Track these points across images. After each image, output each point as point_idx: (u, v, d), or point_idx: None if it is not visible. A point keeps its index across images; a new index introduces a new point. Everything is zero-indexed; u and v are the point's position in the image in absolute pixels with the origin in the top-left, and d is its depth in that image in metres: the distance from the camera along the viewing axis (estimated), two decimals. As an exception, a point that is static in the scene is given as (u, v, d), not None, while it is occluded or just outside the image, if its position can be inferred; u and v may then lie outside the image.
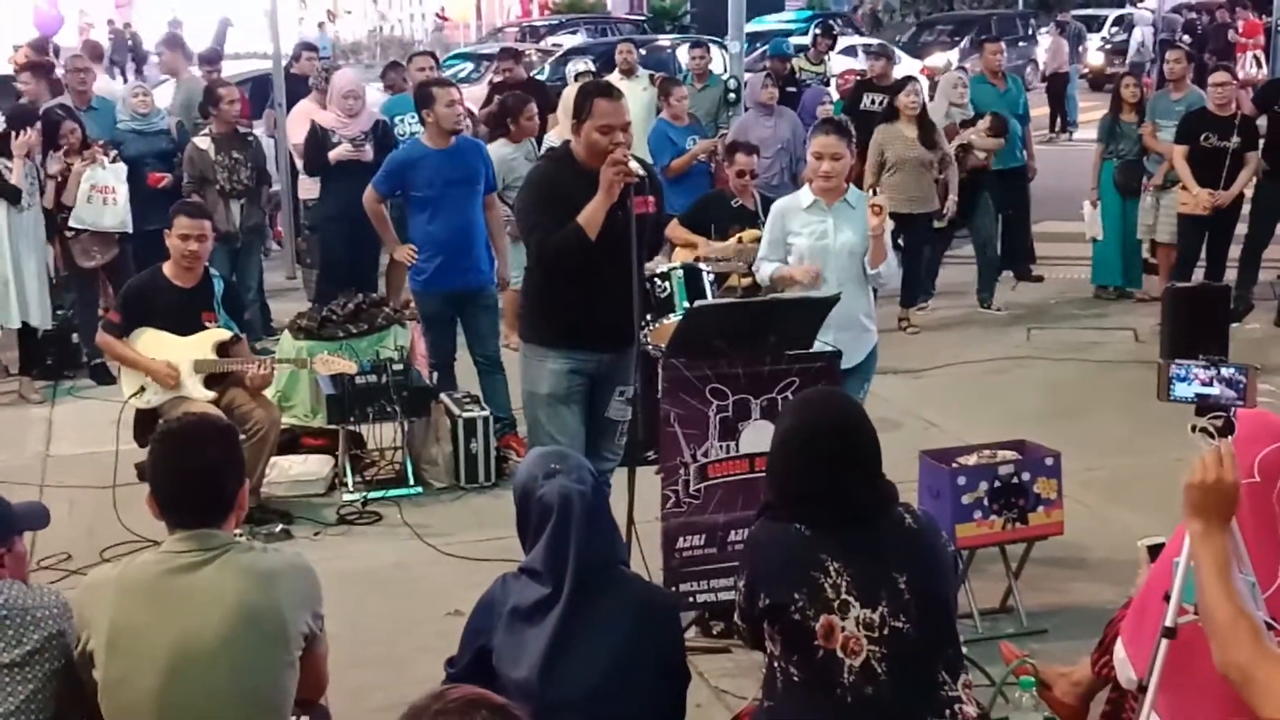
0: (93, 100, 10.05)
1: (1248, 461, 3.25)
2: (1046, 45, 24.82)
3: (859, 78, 13.03)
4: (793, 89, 12.38)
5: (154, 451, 3.32)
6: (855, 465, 3.34)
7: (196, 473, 3.22)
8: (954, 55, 25.72)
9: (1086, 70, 26.54)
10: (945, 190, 9.93)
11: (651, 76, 12.18)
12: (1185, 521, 2.93)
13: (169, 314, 6.52)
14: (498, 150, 9.00)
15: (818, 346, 5.24)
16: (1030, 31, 28.93)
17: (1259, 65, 18.48)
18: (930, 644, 3.26)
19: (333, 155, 9.02)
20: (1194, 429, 3.05)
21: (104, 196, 8.80)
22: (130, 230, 8.88)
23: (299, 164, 10.08)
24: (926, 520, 3.43)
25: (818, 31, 15.06)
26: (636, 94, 10.47)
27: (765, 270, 6.09)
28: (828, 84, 13.73)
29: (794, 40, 17.31)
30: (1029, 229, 11.60)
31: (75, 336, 9.20)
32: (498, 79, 12.52)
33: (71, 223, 8.80)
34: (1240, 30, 21.56)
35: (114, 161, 8.97)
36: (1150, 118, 10.50)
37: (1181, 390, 3.19)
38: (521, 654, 3.28)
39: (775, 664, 3.30)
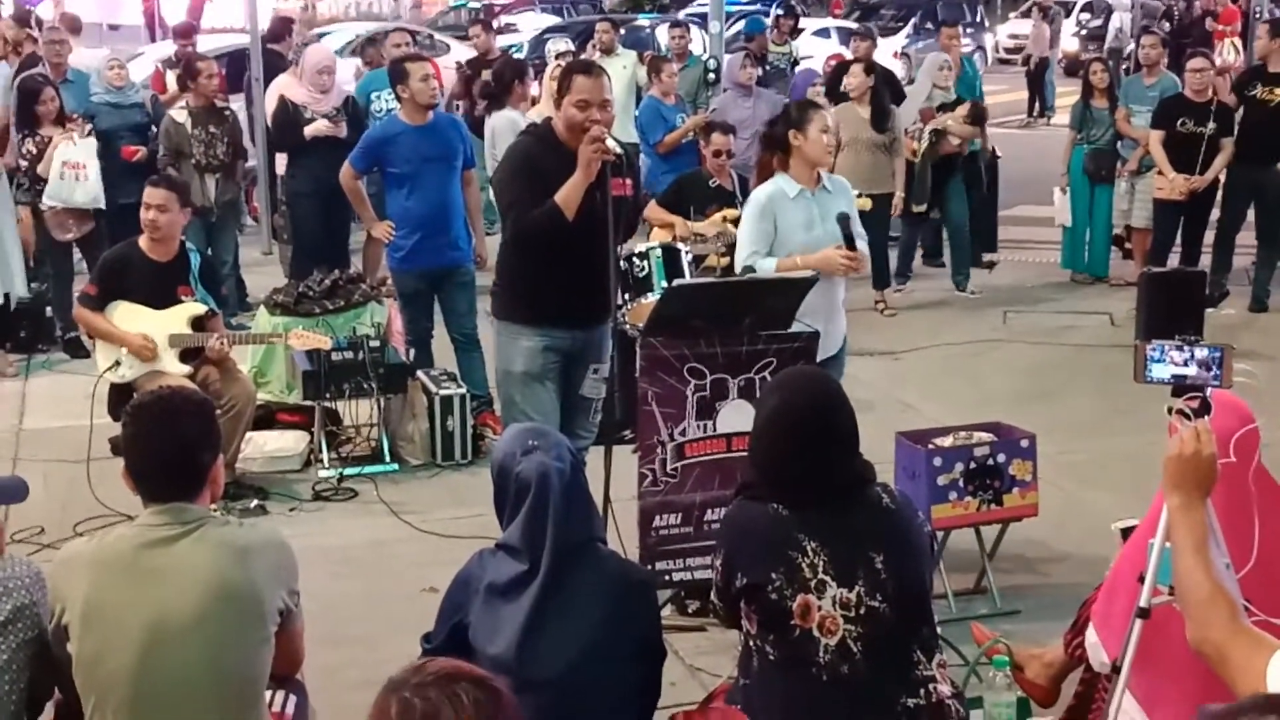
0: (68, 73, 9.97)
1: (1223, 442, 3.27)
2: (1028, 31, 24.85)
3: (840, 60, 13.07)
4: (764, 68, 12.39)
5: (128, 424, 3.29)
6: (835, 444, 3.35)
7: (171, 446, 3.20)
8: (900, 41, 25.63)
9: (1062, 56, 26.59)
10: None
11: (640, 55, 12.17)
12: (1165, 495, 2.94)
13: (145, 288, 6.48)
14: (508, 116, 9.08)
15: (796, 327, 5.24)
16: (979, 18, 28.83)
17: (1237, 52, 18.51)
18: (905, 623, 3.27)
19: (309, 130, 8.94)
20: (1170, 410, 3.07)
21: (75, 173, 8.72)
22: (103, 206, 8.82)
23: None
24: (903, 500, 3.45)
25: (779, 12, 14.98)
26: (617, 72, 10.46)
27: (766, 265, 5.54)
28: (796, 64, 13.71)
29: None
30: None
31: (49, 310, 9.15)
32: (471, 53, 12.53)
33: (45, 200, 8.74)
34: (1218, 17, 21.61)
35: (86, 136, 8.90)
36: (1124, 103, 10.55)
37: (1158, 371, 3.20)
38: (498, 630, 3.28)
39: (751, 643, 3.31)
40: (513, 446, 3.45)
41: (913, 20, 27.42)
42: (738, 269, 5.74)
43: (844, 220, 5.53)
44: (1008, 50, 29.56)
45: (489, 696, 2.09)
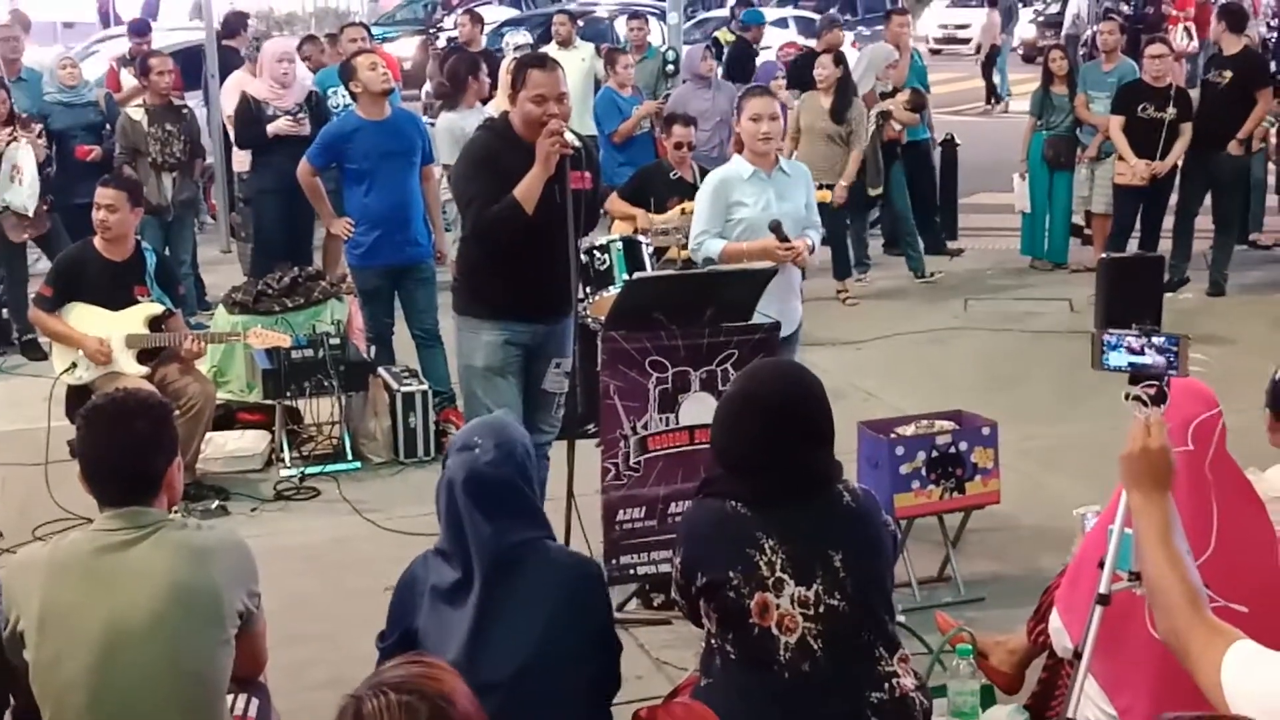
0: (21, 71, 9.86)
1: (1181, 429, 3.29)
2: (959, 19, 24.92)
3: (800, 50, 13.08)
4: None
5: (82, 428, 3.27)
6: (800, 433, 3.33)
7: (125, 450, 3.17)
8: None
9: (1019, 43, 26.69)
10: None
11: (597, 48, 12.16)
12: (1125, 492, 2.95)
13: (100, 288, 6.43)
14: (447, 120, 8.99)
15: (756, 318, 5.25)
16: (899, 6, 28.63)
17: (1189, 37, 18.64)
18: (865, 620, 3.27)
19: (271, 128, 8.83)
20: (1127, 397, 3.07)
21: (17, 176, 8.63)
22: (30, 213, 8.70)
23: (233, 136, 9.93)
24: (865, 498, 3.43)
25: (734, 3, 15.04)
26: (574, 65, 10.44)
27: (713, 247, 5.71)
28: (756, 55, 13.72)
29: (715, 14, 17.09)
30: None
31: (5, 312, 9.05)
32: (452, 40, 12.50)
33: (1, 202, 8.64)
34: (1174, 2, 21.75)
35: (37, 138, 8.78)
36: (1082, 89, 10.61)
37: (1115, 359, 3.21)
38: (447, 636, 3.19)
39: (712, 642, 3.30)
40: (456, 440, 3.39)
41: (831, 10, 27.35)
42: (690, 247, 5.88)
43: (776, 227, 5.65)
44: (937, 40, 29.42)
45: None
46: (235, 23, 12.40)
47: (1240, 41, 10.14)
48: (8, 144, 8.52)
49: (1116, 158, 10.04)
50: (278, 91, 8.95)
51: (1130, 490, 2.89)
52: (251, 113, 8.93)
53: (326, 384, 6.92)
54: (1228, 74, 9.92)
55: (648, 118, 10.52)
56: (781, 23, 22.94)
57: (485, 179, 5.23)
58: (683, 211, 8.07)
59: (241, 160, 9.92)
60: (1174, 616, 2.63)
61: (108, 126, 9.53)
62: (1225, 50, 10.13)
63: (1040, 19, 27.97)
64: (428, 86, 13.50)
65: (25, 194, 8.62)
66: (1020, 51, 26.02)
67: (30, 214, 8.65)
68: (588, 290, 6.63)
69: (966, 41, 26.15)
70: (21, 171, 8.60)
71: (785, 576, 3.21)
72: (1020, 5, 27.04)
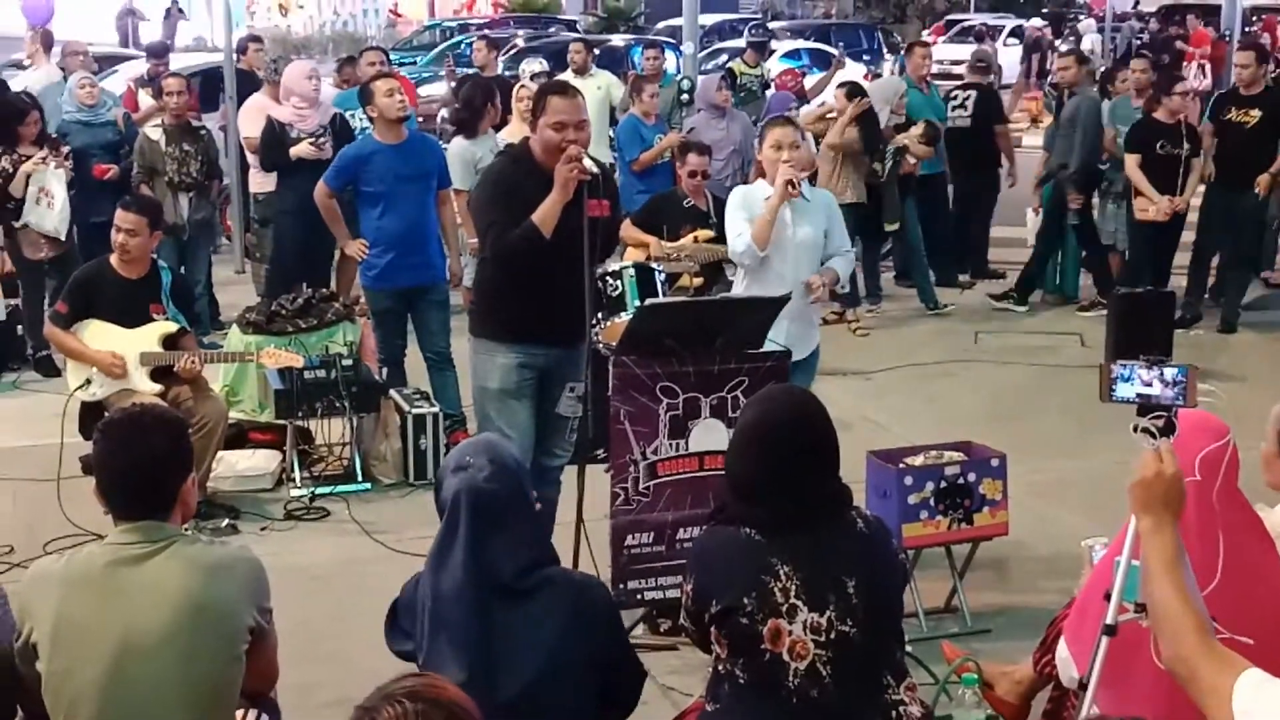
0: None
1: (1189, 460, 3.30)
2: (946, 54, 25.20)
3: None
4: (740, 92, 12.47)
5: (99, 442, 3.29)
6: (812, 460, 3.35)
7: (141, 464, 3.20)
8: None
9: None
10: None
11: (624, 76, 12.23)
12: (1136, 519, 2.96)
13: (116, 305, 6.46)
14: (459, 147, 9.01)
15: (768, 345, 5.27)
16: (876, 44, 28.61)
17: (1204, 75, 18.71)
18: (876, 648, 3.28)
19: (294, 152, 8.87)
20: (1136, 429, 3.09)
21: (46, 200, 8.68)
22: (62, 237, 8.76)
23: (250, 158, 9.99)
24: (878, 525, 3.44)
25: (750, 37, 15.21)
26: (590, 93, 10.49)
27: (745, 239, 5.87)
28: (767, 87, 13.81)
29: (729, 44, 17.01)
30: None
31: (19, 328, 9.10)
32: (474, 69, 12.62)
33: (22, 219, 8.69)
34: (1189, 39, 21.86)
35: (66, 159, 8.83)
36: (1112, 124, 10.55)
37: (1123, 390, 3.22)
38: (451, 660, 3.15)
39: (721, 667, 3.30)
40: (449, 462, 3.36)
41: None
42: (730, 249, 6.12)
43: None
44: (933, 75, 29.42)
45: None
46: (241, 42, 12.49)
47: (1262, 80, 10.09)
48: (40, 164, 8.56)
49: (1135, 194, 9.99)
50: (302, 114, 9.00)
51: (1141, 516, 2.90)
52: (276, 136, 8.98)
53: (338, 405, 6.94)
54: (1255, 113, 9.81)
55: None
56: (794, 55, 23.03)
57: (504, 204, 5.27)
58: (695, 239, 8.11)
59: (258, 181, 9.97)
60: (1181, 644, 2.64)
61: (125, 146, 9.59)
62: (1245, 89, 10.03)
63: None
64: (443, 112, 13.58)
65: (57, 218, 8.67)
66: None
67: (63, 238, 8.70)
68: (600, 316, 6.67)
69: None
70: (52, 195, 8.65)
71: (799, 603, 3.21)
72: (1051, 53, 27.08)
